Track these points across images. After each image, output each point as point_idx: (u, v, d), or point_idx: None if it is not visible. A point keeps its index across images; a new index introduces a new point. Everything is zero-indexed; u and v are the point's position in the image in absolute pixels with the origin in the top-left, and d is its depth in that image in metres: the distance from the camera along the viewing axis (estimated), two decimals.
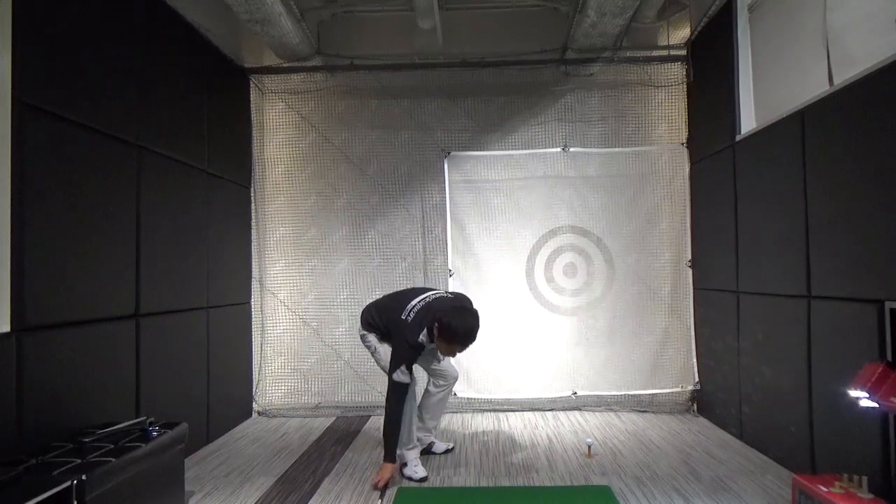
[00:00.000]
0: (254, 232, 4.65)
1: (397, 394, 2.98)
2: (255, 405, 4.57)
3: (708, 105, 4.19)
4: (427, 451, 3.39)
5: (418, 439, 3.27)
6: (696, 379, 4.34)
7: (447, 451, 3.48)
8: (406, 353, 2.96)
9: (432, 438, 3.46)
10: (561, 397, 4.48)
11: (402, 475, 3.08)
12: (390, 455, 2.95)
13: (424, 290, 3.24)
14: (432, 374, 3.38)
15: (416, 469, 3.06)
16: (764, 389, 3.35)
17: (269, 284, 4.68)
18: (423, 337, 2.98)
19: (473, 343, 2.94)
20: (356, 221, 4.74)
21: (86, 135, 2.67)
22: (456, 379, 3.43)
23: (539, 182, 4.62)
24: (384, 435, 2.99)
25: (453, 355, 3.11)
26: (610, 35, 4.24)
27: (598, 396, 4.49)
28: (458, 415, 4.41)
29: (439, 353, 3.19)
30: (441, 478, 3.08)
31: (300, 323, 4.68)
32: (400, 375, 2.94)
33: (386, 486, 2.93)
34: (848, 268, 2.58)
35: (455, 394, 4.40)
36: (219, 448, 3.70)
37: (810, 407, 2.88)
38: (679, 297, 4.50)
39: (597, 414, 4.39)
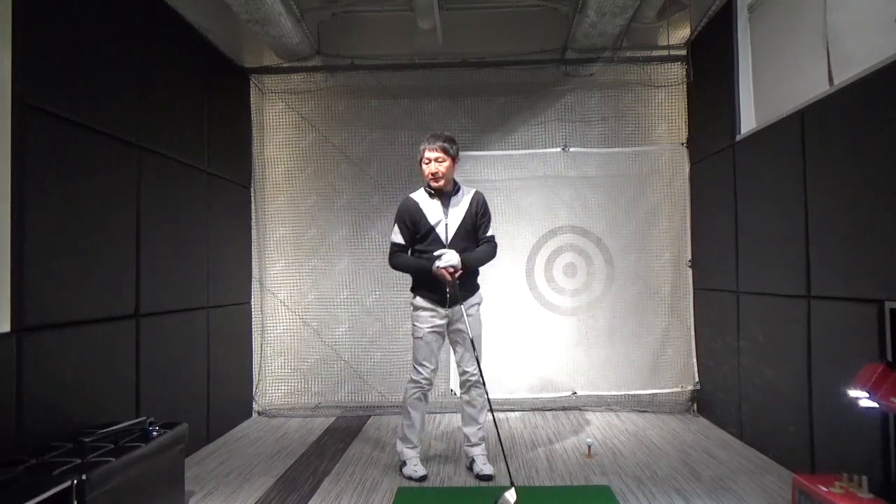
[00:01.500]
0: (254, 232, 4.65)
1: (392, 252, 3.17)
2: (255, 405, 4.57)
3: (708, 105, 4.19)
4: (469, 468, 3.16)
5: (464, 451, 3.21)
6: (696, 379, 4.34)
7: (480, 477, 3.03)
8: (399, 213, 3.15)
9: (472, 452, 3.14)
10: (561, 397, 4.48)
11: (402, 474, 3.08)
12: (429, 269, 3.02)
13: None
14: (458, 364, 3.18)
15: (415, 468, 3.06)
16: (764, 389, 3.35)
17: (269, 284, 4.68)
18: (418, 193, 3.16)
19: (437, 141, 3.06)
20: (356, 221, 4.74)
21: (86, 135, 2.67)
22: (472, 381, 3.11)
23: (539, 182, 4.62)
24: (411, 273, 3.19)
25: (432, 167, 3.05)
26: (610, 35, 4.24)
27: (598, 396, 4.49)
28: (458, 415, 4.39)
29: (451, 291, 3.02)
30: (441, 478, 3.08)
31: (300, 323, 4.68)
32: (393, 236, 3.15)
33: (453, 277, 2.99)
34: (848, 268, 2.58)
35: (454, 393, 4.40)
36: (219, 448, 3.70)
37: (810, 407, 2.88)
38: (679, 297, 4.50)
39: (597, 414, 4.39)
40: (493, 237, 3.19)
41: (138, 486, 2.28)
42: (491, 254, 3.17)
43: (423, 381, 3.11)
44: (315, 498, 2.84)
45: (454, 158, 3.09)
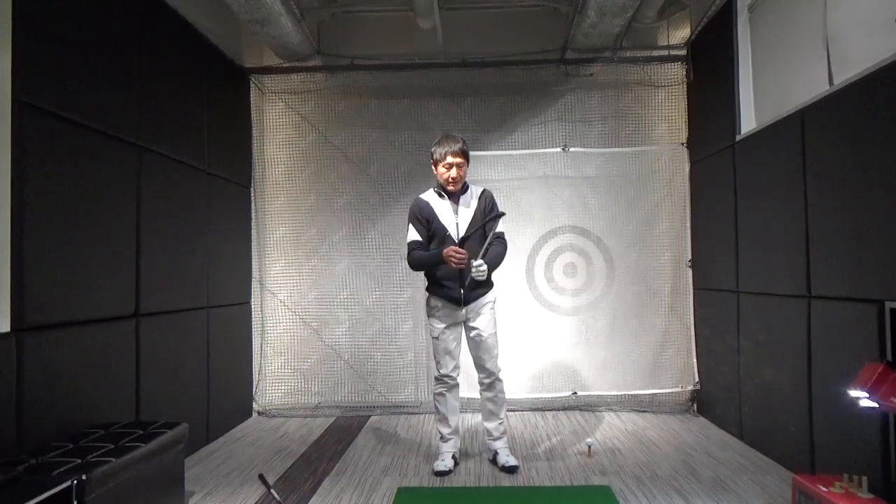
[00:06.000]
0: (254, 232, 4.65)
1: (410, 250, 3.14)
2: (255, 405, 4.57)
3: (708, 105, 4.19)
4: (493, 461, 3.23)
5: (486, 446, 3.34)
6: (696, 379, 4.34)
7: (505, 469, 3.11)
8: (412, 212, 3.17)
9: (495, 446, 3.23)
10: (561, 397, 4.48)
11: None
12: (438, 256, 3.02)
13: None
14: (476, 363, 3.23)
15: (438, 462, 3.14)
16: (764, 389, 3.35)
17: (269, 284, 4.68)
18: (428, 194, 3.19)
19: (457, 145, 3.08)
20: (356, 221, 4.74)
21: (86, 134, 2.67)
22: (492, 373, 3.17)
23: (539, 182, 4.62)
24: (432, 266, 3.12)
25: (453, 172, 3.08)
26: (610, 35, 4.24)
27: (598, 396, 4.49)
28: (466, 414, 4.37)
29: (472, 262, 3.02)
30: (441, 477, 3.08)
31: (300, 323, 4.68)
32: (409, 235, 3.15)
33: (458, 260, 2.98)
34: (848, 268, 2.58)
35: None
36: (219, 448, 3.70)
37: (810, 407, 2.88)
38: (679, 297, 4.50)
39: (597, 414, 4.39)
40: (502, 234, 3.21)
41: (138, 486, 2.28)
42: (503, 253, 3.19)
43: (447, 378, 3.18)
44: (315, 498, 2.84)
45: (468, 161, 3.17)
